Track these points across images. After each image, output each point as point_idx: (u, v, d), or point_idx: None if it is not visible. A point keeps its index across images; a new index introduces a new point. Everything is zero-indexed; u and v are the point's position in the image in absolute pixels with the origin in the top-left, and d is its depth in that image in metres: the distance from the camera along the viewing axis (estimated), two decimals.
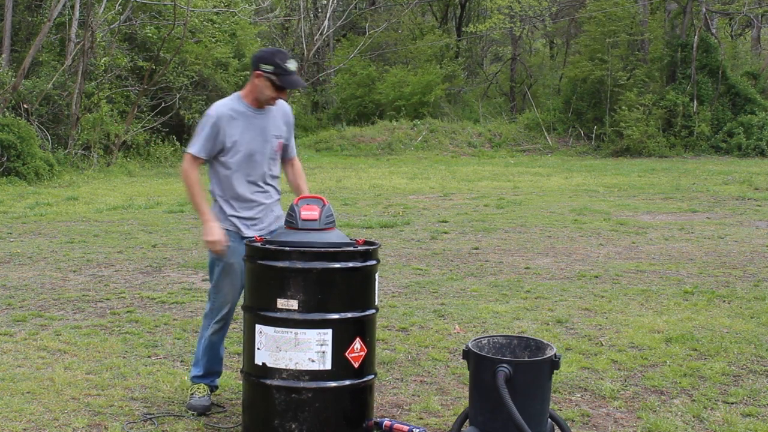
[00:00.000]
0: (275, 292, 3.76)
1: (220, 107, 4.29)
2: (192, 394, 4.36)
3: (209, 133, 4.23)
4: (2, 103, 17.88)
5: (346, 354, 3.79)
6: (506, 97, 37.19)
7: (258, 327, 3.80)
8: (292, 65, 4.22)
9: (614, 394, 4.65)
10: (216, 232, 4.22)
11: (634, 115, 27.16)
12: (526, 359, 3.75)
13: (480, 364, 3.64)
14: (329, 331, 3.74)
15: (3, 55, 19.87)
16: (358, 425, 3.89)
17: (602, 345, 5.60)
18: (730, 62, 30.39)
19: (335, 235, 3.92)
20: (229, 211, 4.34)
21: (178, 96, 22.70)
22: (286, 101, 4.39)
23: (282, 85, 4.21)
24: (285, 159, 4.52)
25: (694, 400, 4.56)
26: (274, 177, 4.43)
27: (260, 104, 4.30)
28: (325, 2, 29.82)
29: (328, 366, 3.74)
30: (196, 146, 4.26)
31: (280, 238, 3.88)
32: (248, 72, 26.49)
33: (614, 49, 29.10)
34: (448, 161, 25.74)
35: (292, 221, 3.91)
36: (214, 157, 4.30)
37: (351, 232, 10.18)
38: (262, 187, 4.37)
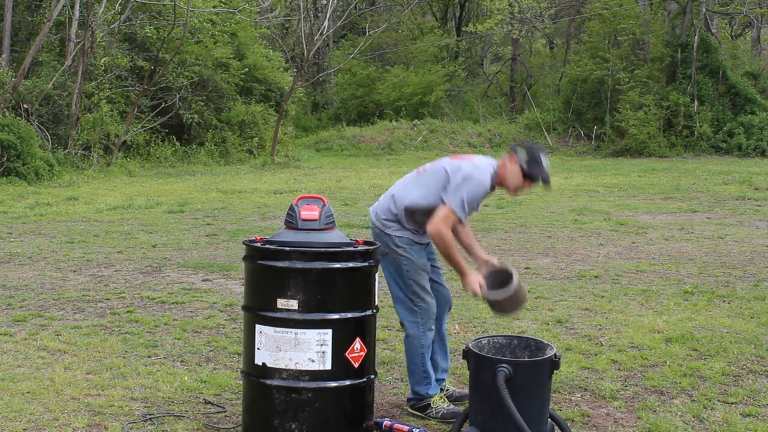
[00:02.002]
0: (275, 292, 3.76)
1: (489, 181, 4.25)
2: (436, 408, 4.34)
3: (476, 203, 4.24)
4: (2, 103, 17.88)
5: (346, 354, 3.79)
6: (506, 97, 37.21)
7: (258, 327, 3.80)
8: (546, 162, 4.23)
9: (614, 394, 4.65)
10: (476, 280, 4.26)
11: (639, 116, 27.19)
12: (526, 359, 3.75)
13: (480, 364, 3.64)
14: (329, 331, 3.74)
15: (3, 55, 19.87)
16: (358, 425, 3.89)
17: (602, 345, 5.60)
18: (730, 62, 30.39)
19: (335, 235, 3.92)
20: (407, 225, 4.34)
21: (178, 96, 22.70)
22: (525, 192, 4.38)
23: (533, 176, 4.19)
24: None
25: (694, 400, 4.56)
26: None
27: (500, 185, 4.30)
28: (325, 2, 29.82)
29: (328, 366, 3.74)
30: (462, 211, 4.19)
31: (280, 238, 3.88)
32: (248, 71, 26.40)
33: (615, 48, 29.12)
34: None
35: (292, 221, 3.91)
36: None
37: (351, 232, 10.18)
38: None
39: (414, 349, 4.38)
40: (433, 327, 4.42)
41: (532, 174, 4.20)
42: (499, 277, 4.32)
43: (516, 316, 5.17)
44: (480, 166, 4.27)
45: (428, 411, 4.34)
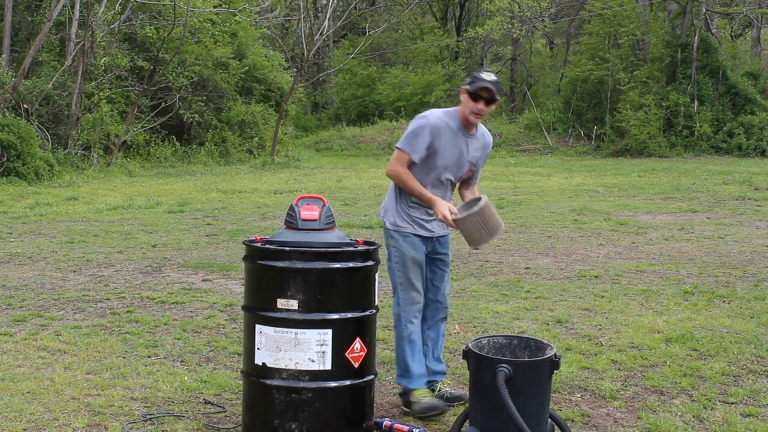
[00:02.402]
0: (275, 292, 3.76)
1: (439, 118, 4.37)
2: (416, 401, 4.35)
3: (424, 138, 4.31)
4: (2, 103, 17.88)
5: (346, 354, 3.79)
6: (506, 97, 37.20)
7: (258, 327, 3.79)
8: (486, 75, 4.30)
9: (614, 394, 4.65)
10: (447, 207, 4.28)
11: (639, 116, 27.20)
12: (526, 359, 3.75)
13: (480, 364, 3.64)
14: (329, 331, 3.74)
15: (3, 55, 19.88)
16: (358, 425, 3.89)
17: (602, 345, 5.60)
18: (730, 62, 30.40)
19: (335, 235, 3.92)
20: (407, 210, 4.42)
21: (178, 96, 22.71)
22: (484, 117, 4.37)
23: (473, 90, 4.27)
24: (469, 183, 4.62)
25: (694, 400, 4.56)
26: (449, 198, 4.51)
27: (466, 121, 4.37)
28: (325, 2, 29.82)
29: (328, 366, 3.74)
30: (408, 146, 4.33)
31: (280, 238, 3.88)
32: (248, 71, 26.46)
33: (615, 49, 29.12)
34: None
35: (292, 221, 3.91)
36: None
37: (351, 232, 10.18)
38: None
39: (396, 340, 4.47)
40: (414, 320, 4.42)
41: (474, 88, 4.29)
42: (472, 204, 4.36)
43: (490, 244, 4.58)
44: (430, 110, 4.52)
45: (412, 406, 4.35)
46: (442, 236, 4.52)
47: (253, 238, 4.01)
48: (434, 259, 4.52)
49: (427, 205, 4.35)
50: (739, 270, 8.27)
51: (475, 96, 4.29)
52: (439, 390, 4.51)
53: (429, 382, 4.52)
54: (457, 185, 4.62)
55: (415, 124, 4.36)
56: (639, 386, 4.80)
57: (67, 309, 6.49)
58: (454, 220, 4.24)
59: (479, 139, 4.50)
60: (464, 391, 4.49)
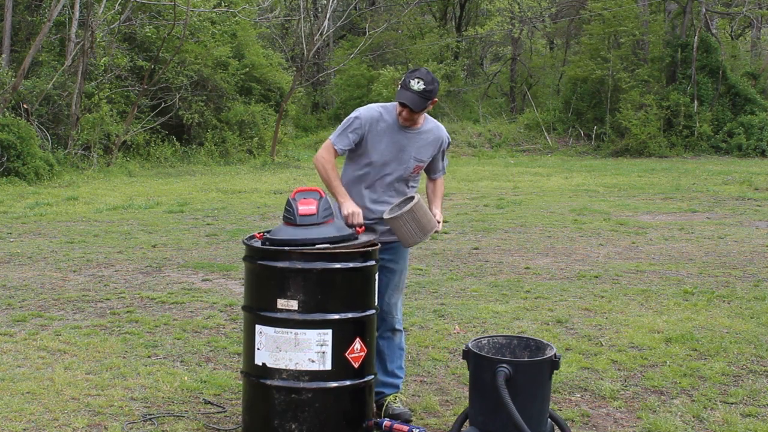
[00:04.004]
0: (275, 293, 3.76)
1: (373, 109, 4.29)
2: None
3: (355, 129, 4.24)
4: (2, 103, 17.87)
5: (346, 354, 3.79)
6: (506, 97, 37.20)
7: (258, 327, 3.79)
8: (414, 84, 4.11)
9: (614, 394, 4.65)
10: (351, 205, 4.18)
11: (639, 115, 27.20)
12: (526, 359, 3.75)
13: (480, 364, 3.64)
14: (329, 332, 3.74)
15: (3, 55, 19.86)
16: (358, 425, 3.89)
17: (602, 345, 5.60)
18: (730, 62, 30.38)
19: (334, 228, 3.90)
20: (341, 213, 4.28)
21: (177, 96, 22.69)
22: (408, 120, 4.23)
23: (396, 98, 4.16)
24: (430, 177, 4.52)
25: (694, 400, 4.56)
26: (402, 195, 4.38)
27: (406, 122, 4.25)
28: (325, 2, 29.82)
29: (328, 366, 3.74)
30: (337, 137, 4.27)
31: (279, 235, 3.87)
32: (247, 71, 26.39)
33: (615, 48, 29.12)
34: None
35: (290, 217, 3.89)
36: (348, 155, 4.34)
37: None
38: (383, 201, 4.33)
39: None
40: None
41: (397, 96, 4.17)
42: (404, 203, 4.30)
43: (423, 243, 4.50)
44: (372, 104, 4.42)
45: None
46: (388, 242, 4.29)
47: (253, 235, 4.01)
48: (379, 265, 4.29)
49: (336, 199, 4.21)
50: (739, 270, 8.27)
51: (400, 104, 4.18)
52: (387, 404, 4.34)
53: (376, 393, 4.31)
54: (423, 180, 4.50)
55: (350, 116, 4.27)
56: (639, 386, 4.80)
57: (67, 309, 6.49)
58: (387, 219, 4.18)
59: (427, 134, 4.32)
60: (405, 408, 4.33)
